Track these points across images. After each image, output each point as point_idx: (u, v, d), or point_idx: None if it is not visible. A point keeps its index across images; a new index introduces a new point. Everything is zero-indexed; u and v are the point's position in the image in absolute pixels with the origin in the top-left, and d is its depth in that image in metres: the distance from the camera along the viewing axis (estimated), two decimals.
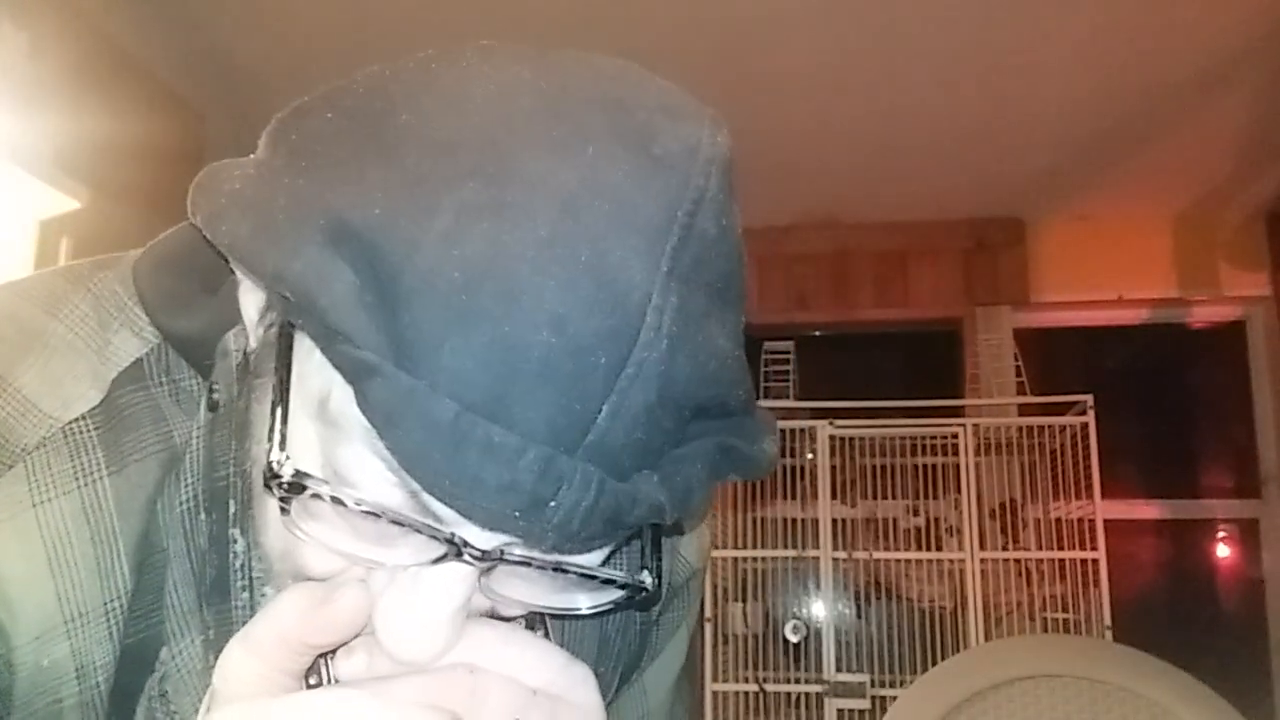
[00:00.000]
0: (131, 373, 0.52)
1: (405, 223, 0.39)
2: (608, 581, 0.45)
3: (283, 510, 0.42)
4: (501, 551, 0.42)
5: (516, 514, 0.39)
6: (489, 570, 0.43)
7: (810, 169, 3.24)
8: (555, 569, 0.43)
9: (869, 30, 2.54)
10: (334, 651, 0.43)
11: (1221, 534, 3.66)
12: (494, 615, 0.46)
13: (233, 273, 0.49)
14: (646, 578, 0.46)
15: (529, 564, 0.42)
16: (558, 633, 0.55)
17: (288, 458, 0.41)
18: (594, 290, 0.38)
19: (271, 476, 0.41)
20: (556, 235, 0.38)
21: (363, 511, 0.40)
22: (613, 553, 0.47)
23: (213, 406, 0.50)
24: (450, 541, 0.41)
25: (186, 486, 0.51)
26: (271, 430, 0.42)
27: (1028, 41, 2.58)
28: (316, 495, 0.41)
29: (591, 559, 0.44)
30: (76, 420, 0.49)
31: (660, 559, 0.48)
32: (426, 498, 0.40)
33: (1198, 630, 3.45)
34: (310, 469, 0.42)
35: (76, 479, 0.49)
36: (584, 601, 0.47)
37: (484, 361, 0.38)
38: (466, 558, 0.41)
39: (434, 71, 0.45)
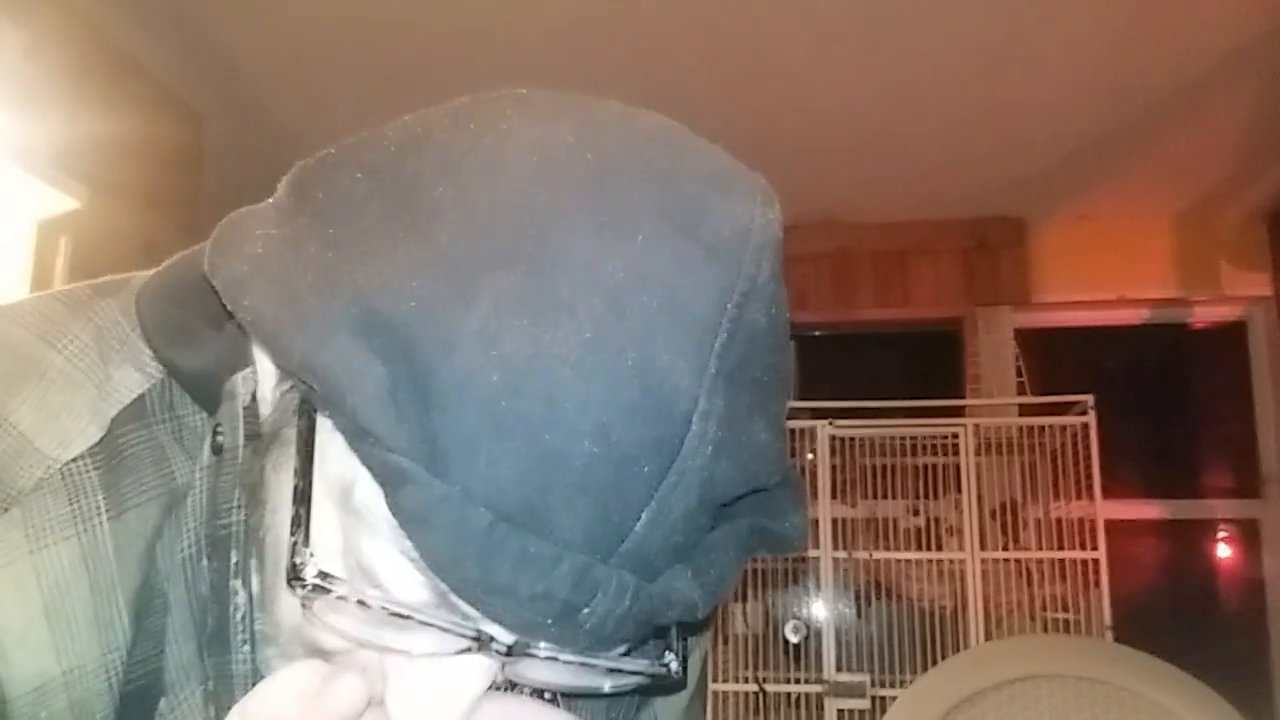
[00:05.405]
0: (133, 410, 0.49)
1: (441, 316, 0.37)
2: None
3: (304, 606, 0.40)
4: (528, 645, 0.40)
5: (549, 621, 0.38)
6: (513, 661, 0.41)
7: (810, 169, 3.23)
8: (581, 664, 0.41)
9: (870, 30, 2.54)
10: None
11: (1222, 534, 3.66)
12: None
13: None
14: (672, 663, 0.45)
15: (555, 659, 0.41)
16: None
17: (312, 555, 0.39)
18: (639, 398, 0.37)
19: (294, 576, 0.39)
20: (602, 336, 0.36)
21: (389, 614, 0.39)
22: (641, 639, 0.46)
23: (217, 450, 0.48)
24: (476, 638, 0.40)
25: (188, 531, 0.48)
26: (295, 524, 0.40)
27: (1028, 41, 2.58)
28: (341, 597, 0.39)
29: (617, 650, 0.43)
30: (75, 460, 0.46)
31: (686, 643, 0.46)
32: (454, 597, 0.39)
33: (1198, 630, 3.44)
34: (333, 562, 0.40)
35: (75, 524, 0.46)
36: (606, 684, 0.45)
37: (522, 472, 0.36)
38: (493, 650, 0.40)
39: (471, 132, 0.42)
